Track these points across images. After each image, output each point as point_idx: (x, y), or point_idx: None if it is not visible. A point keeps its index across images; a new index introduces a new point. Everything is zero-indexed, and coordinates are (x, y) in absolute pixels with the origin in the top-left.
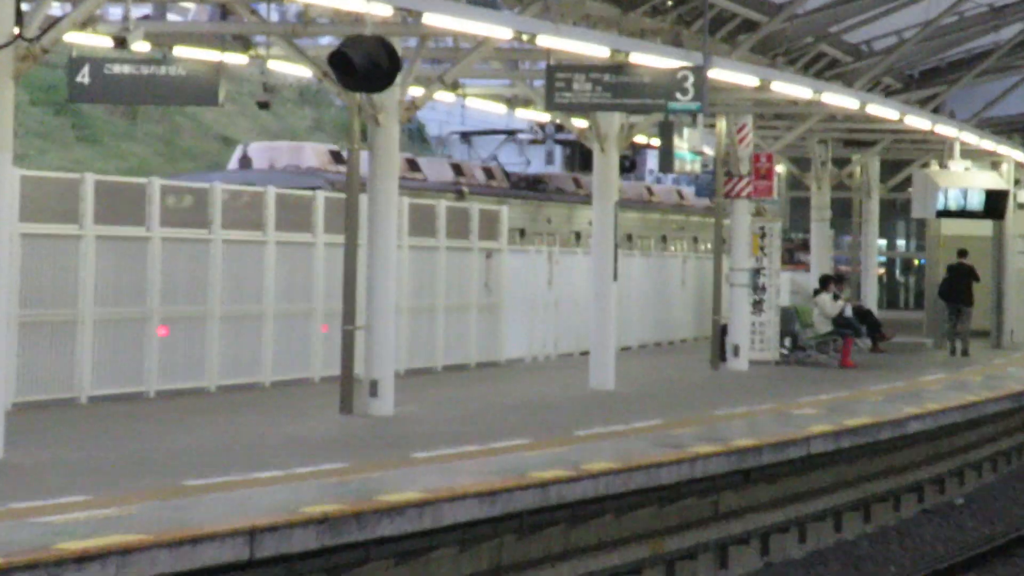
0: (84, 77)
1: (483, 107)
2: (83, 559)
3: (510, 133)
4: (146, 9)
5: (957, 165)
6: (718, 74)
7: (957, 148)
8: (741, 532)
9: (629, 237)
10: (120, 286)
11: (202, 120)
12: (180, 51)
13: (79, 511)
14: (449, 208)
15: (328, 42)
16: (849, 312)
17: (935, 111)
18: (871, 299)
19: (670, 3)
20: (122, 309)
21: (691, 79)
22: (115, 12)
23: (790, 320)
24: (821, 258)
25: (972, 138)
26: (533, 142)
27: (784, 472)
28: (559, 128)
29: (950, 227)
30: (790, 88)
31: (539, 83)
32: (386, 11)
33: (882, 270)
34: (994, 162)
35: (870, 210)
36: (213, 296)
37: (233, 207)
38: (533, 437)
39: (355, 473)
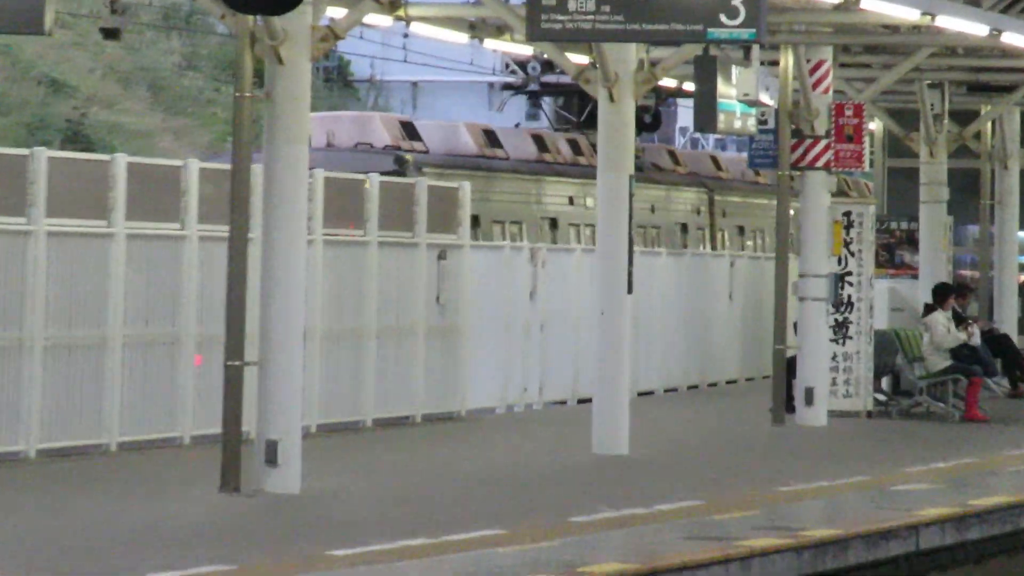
0: None
1: (436, 35)
2: None
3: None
4: None
5: None
6: None
7: None
8: None
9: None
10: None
11: (21, 57)
12: None
13: None
14: (385, 186)
15: None
16: (977, 339)
17: None
18: (1009, 320)
19: None
20: None
21: None
22: None
23: (890, 351)
24: (935, 259)
25: None
26: (508, 88)
27: None
28: (547, 68)
29: None
30: (888, 6)
31: (518, 0)
32: None
33: None
34: None
35: (1007, 187)
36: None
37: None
38: (507, 526)
39: None
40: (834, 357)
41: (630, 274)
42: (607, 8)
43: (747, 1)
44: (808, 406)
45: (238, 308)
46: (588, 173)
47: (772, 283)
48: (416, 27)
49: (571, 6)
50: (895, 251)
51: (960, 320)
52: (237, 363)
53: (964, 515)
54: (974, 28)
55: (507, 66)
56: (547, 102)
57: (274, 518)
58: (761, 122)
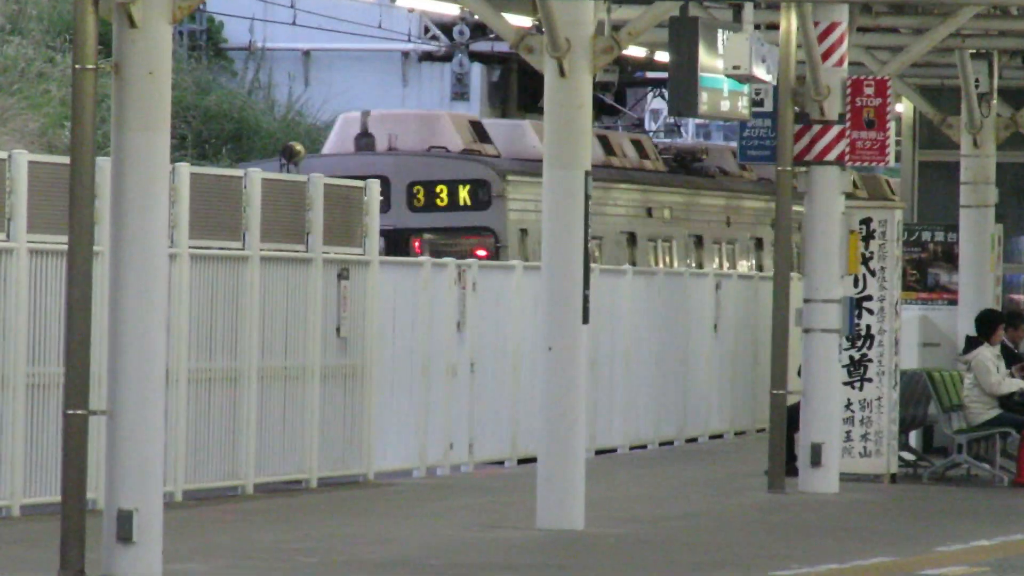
0: None
1: None
2: None
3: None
4: None
5: None
6: None
7: None
8: None
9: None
10: None
11: None
12: None
13: None
14: (268, 186)
15: None
16: None
17: None
18: None
19: None
20: None
21: None
22: None
23: (920, 398)
24: (979, 280)
25: None
26: (429, 59)
27: None
28: (478, 32)
29: None
30: None
31: None
32: None
33: None
34: None
35: None
36: None
37: None
38: None
39: None
40: (849, 405)
41: (586, 299)
42: None
43: None
44: (815, 468)
45: (80, 342)
46: (662, 180)
47: (770, 311)
48: None
49: None
50: (928, 269)
51: (1013, 358)
52: (80, 412)
53: None
54: None
55: (426, 30)
56: (477, 76)
57: None
58: (756, 103)
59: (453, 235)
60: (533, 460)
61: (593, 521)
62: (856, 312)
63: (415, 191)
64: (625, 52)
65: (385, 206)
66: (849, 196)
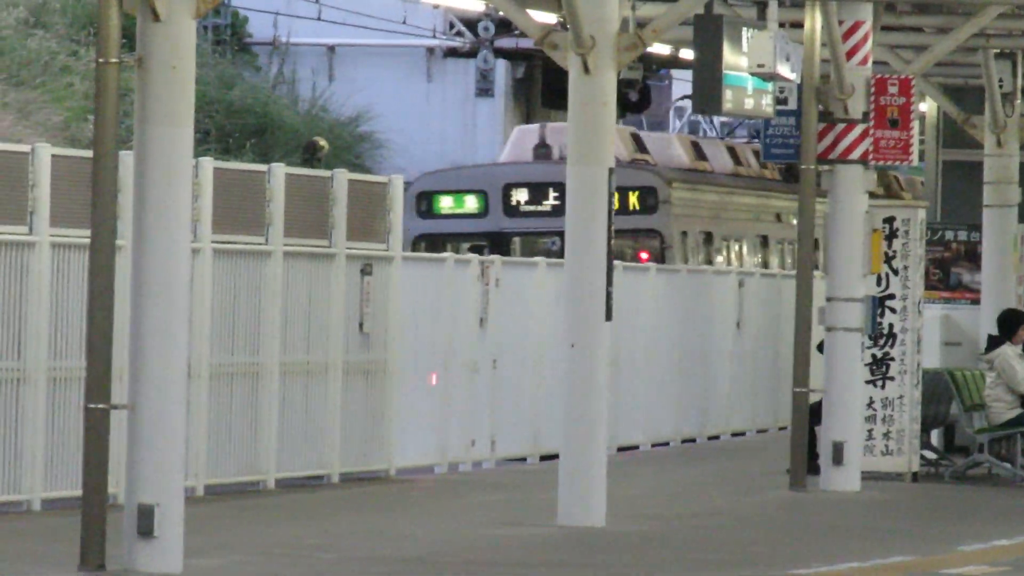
0: None
1: None
2: None
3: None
4: None
5: None
6: None
7: None
8: None
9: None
10: None
11: None
12: None
13: None
14: (291, 179)
15: None
16: None
17: None
18: None
19: None
20: None
21: None
22: None
23: (942, 397)
24: (1002, 279)
25: None
26: (453, 54)
27: None
28: (503, 28)
29: None
30: None
31: None
32: None
33: None
34: None
35: None
36: None
37: None
38: None
39: None
40: (871, 404)
41: (609, 296)
42: None
43: None
44: (836, 466)
45: (102, 336)
46: (782, 187)
47: (793, 309)
48: None
49: None
50: (951, 269)
51: None
52: (101, 406)
53: None
54: None
55: (451, 26)
56: (502, 72)
57: None
58: (780, 101)
59: (623, 237)
60: (555, 457)
61: (614, 519)
62: (879, 311)
63: None
64: (649, 49)
65: (561, 210)
66: (874, 195)
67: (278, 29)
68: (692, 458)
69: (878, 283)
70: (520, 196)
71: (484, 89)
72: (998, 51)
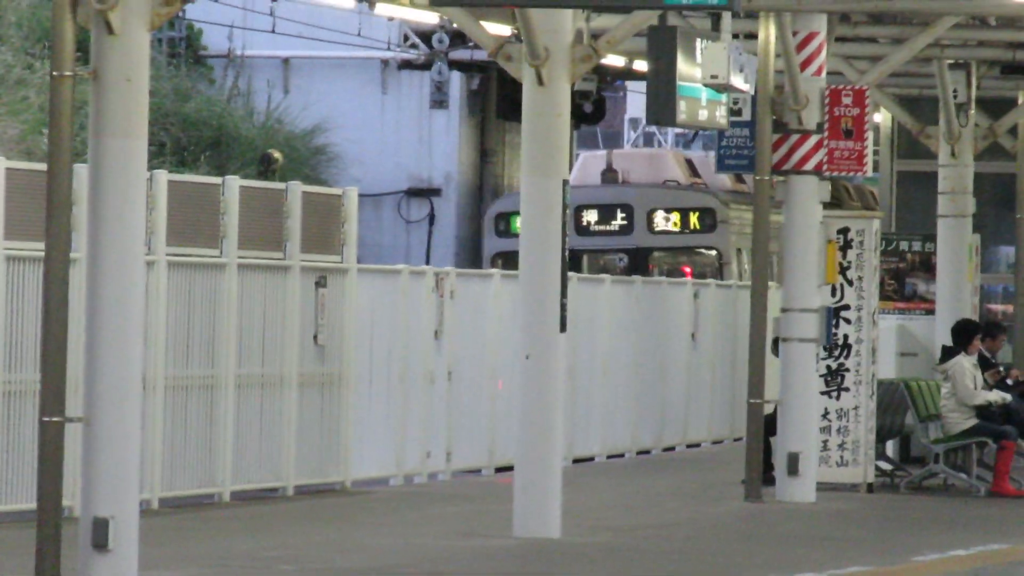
0: None
1: None
2: None
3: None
4: None
5: None
6: None
7: None
8: None
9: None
10: None
11: None
12: None
13: None
14: (246, 192)
15: None
16: (1010, 395)
17: None
18: None
19: None
20: None
21: None
22: None
23: (898, 407)
24: (957, 289)
25: None
26: (408, 66)
27: None
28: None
29: None
30: None
31: None
32: None
33: None
34: None
35: None
36: None
37: None
38: None
39: None
40: (826, 414)
41: (564, 307)
42: None
43: None
44: (792, 477)
45: (57, 348)
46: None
47: (748, 320)
48: None
49: None
50: (906, 279)
51: (988, 367)
52: (56, 419)
53: None
54: None
55: (406, 38)
56: (456, 84)
57: None
58: (734, 112)
59: (684, 254)
60: (510, 468)
61: (570, 530)
62: (834, 321)
63: (653, 217)
64: (604, 61)
65: (628, 229)
66: (828, 206)
67: (233, 41)
68: (648, 469)
69: (833, 294)
70: (591, 217)
71: (439, 101)
72: (952, 61)
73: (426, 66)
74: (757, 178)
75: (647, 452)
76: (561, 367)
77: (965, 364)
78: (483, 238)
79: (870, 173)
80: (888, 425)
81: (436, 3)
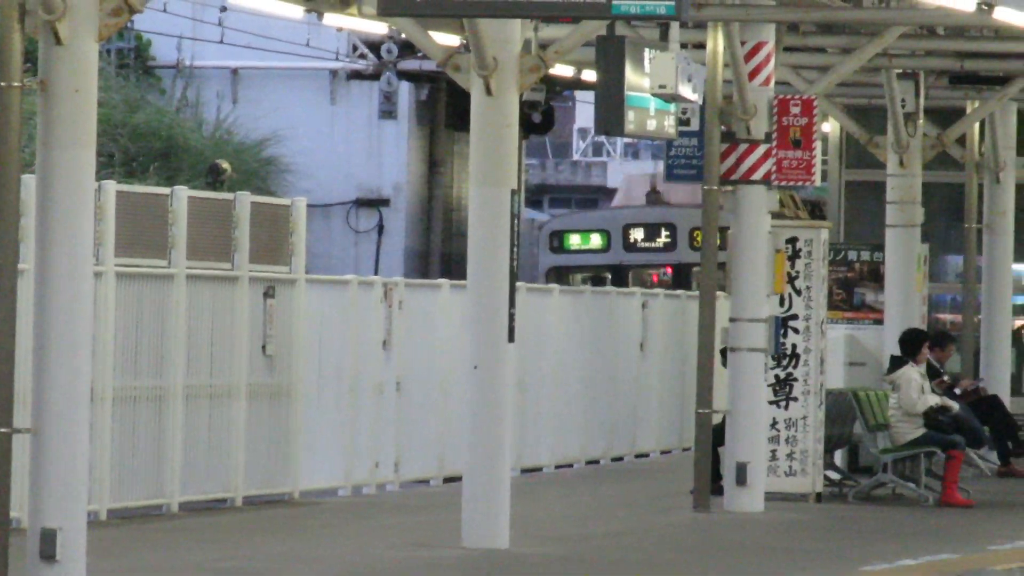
0: None
1: (261, 9)
2: None
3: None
4: None
5: None
6: None
7: None
8: None
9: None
10: None
11: None
12: None
13: None
14: (195, 202)
15: None
16: (958, 404)
17: None
18: (1000, 378)
19: None
20: None
21: None
22: None
23: (846, 417)
24: (905, 299)
25: None
26: (357, 77)
27: None
28: (405, 51)
29: None
30: None
31: None
32: None
33: (1022, 322)
34: None
35: (999, 207)
36: None
37: None
38: None
39: None
40: (774, 424)
41: (512, 318)
42: None
43: None
44: (740, 487)
45: (5, 359)
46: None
47: (696, 330)
48: None
49: None
50: (854, 289)
51: (937, 377)
52: (4, 430)
53: None
54: (959, 1)
55: (355, 49)
56: (405, 95)
57: None
58: (682, 122)
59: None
60: (459, 479)
61: (519, 540)
62: (782, 331)
63: (695, 235)
64: (552, 71)
65: (672, 246)
66: (776, 215)
67: (182, 52)
68: (597, 479)
69: (781, 303)
70: (637, 235)
71: (388, 111)
72: (900, 71)
73: (375, 76)
74: (705, 188)
75: (596, 462)
76: (510, 377)
77: (912, 374)
78: (538, 254)
79: (818, 183)
80: (837, 435)
81: (384, 13)
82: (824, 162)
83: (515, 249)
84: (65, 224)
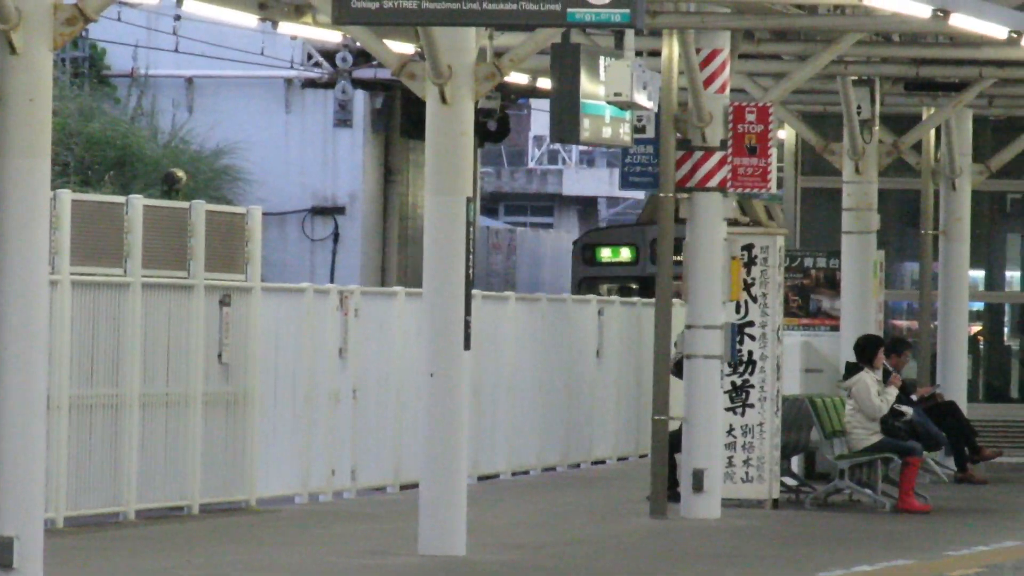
0: None
1: (216, 17)
2: None
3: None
4: None
5: None
6: None
7: None
8: None
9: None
10: None
11: None
12: None
13: None
14: (150, 211)
15: None
16: (914, 410)
17: None
18: (957, 385)
19: None
20: None
21: None
22: None
23: (802, 424)
24: (861, 306)
25: None
26: (312, 85)
27: None
28: (360, 59)
29: None
30: None
31: None
32: None
33: (978, 327)
34: None
35: (955, 214)
36: None
37: None
38: None
39: None
40: (731, 431)
41: (468, 325)
42: None
43: None
44: (697, 494)
45: None
46: None
47: (652, 337)
48: (191, 6)
49: None
50: (810, 295)
51: (891, 383)
52: None
53: None
54: (914, 8)
55: (309, 57)
56: (360, 103)
57: None
58: (638, 130)
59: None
60: (416, 486)
61: (475, 548)
62: (738, 338)
63: None
64: (507, 79)
65: None
66: (732, 223)
67: (137, 61)
68: (554, 486)
69: (737, 310)
70: None
71: (343, 120)
72: (856, 78)
73: (330, 85)
74: (661, 195)
75: (553, 469)
76: (466, 384)
77: (868, 380)
78: (571, 264)
79: (774, 190)
80: (793, 441)
81: (338, 21)
82: (780, 169)
83: (470, 257)
84: (20, 233)
